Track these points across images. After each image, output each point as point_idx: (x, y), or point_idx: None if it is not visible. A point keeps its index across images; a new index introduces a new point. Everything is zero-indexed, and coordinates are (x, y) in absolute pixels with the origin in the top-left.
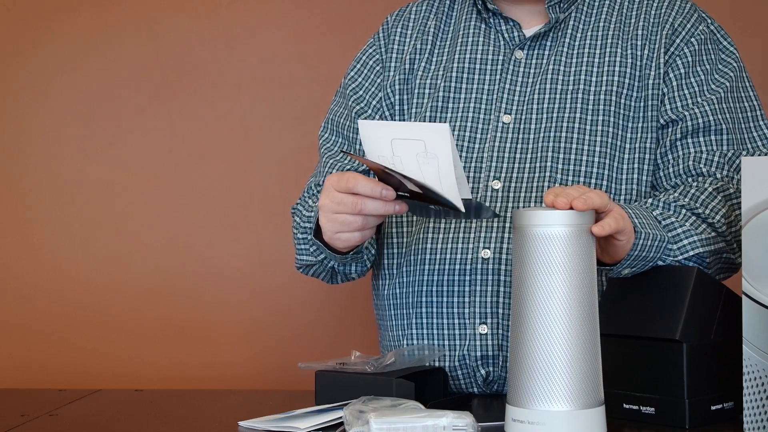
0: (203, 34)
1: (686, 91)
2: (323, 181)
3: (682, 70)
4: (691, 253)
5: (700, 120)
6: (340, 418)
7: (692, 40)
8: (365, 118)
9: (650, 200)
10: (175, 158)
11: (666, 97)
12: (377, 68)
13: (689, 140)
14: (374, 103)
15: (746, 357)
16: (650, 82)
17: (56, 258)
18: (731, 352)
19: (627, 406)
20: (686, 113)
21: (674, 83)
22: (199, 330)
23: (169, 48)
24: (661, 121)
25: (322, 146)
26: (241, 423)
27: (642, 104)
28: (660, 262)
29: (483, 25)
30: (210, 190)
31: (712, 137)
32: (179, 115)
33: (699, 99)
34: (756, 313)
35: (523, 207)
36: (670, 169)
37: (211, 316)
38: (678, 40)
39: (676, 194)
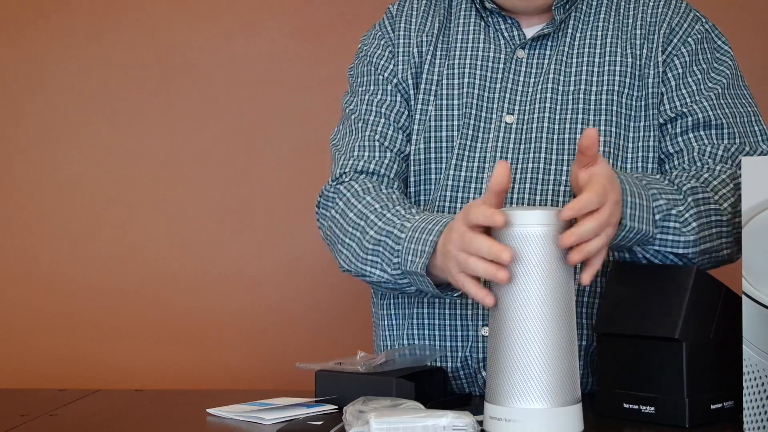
0: (203, 34)
1: (684, 91)
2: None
3: (680, 70)
4: (670, 250)
5: (700, 115)
6: (312, 413)
7: (689, 39)
8: (399, 100)
9: (663, 182)
10: (175, 158)
11: (665, 97)
12: (393, 59)
13: (691, 135)
14: (396, 80)
15: (746, 357)
16: (650, 81)
17: (56, 258)
18: (731, 351)
19: (627, 406)
20: (685, 110)
21: (672, 83)
22: (199, 330)
23: (169, 48)
24: (660, 120)
25: (357, 121)
26: (209, 410)
27: (643, 103)
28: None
29: (482, 23)
30: (210, 190)
31: (713, 131)
32: (179, 114)
33: (697, 97)
34: (756, 313)
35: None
36: (675, 162)
37: (211, 316)
38: (675, 40)
39: (688, 175)
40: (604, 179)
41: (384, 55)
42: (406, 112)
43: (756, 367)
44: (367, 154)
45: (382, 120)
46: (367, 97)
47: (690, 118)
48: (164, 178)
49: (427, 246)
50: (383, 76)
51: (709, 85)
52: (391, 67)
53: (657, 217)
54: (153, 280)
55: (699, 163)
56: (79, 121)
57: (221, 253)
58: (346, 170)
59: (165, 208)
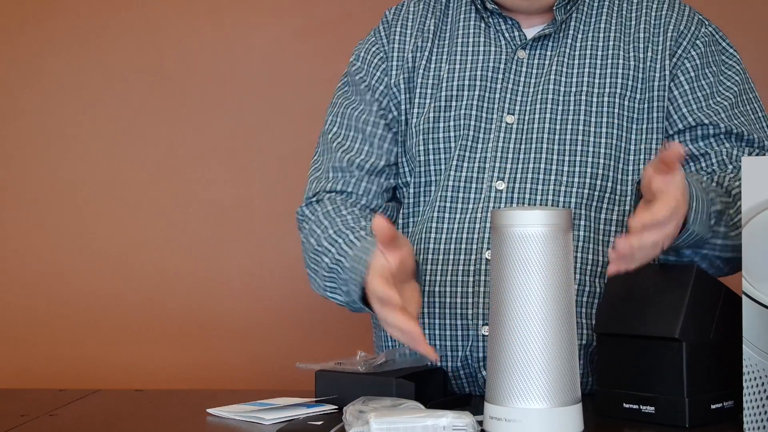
0: (204, 34)
1: (699, 94)
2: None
3: (692, 74)
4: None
5: (722, 126)
6: (312, 413)
7: (697, 42)
8: (375, 109)
9: (712, 183)
10: (175, 158)
11: (680, 101)
12: (383, 66)
13: (712, 140)
14: (381, 88)
15: (746, 357)
16: (655, 84)
17: (56, 258)
18: (731, 351)
19: (627, 406)
20: (705, 120)
21: (686, 86)
22: (199, 330)
23: (169, 48)
24: (680, 125)
25: (332, 141)
26: (209, 410)
27: (646, 106)
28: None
29: (482, 24)
30: (210, 190)
31: (733, 137)
32: (179, 115)
33: (711, 102)
34: (756, 313)
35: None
36: (703, 164)
37: (211, 315)
38: (684, 43)
39: (731, 177)
40: (679, 193)
41: (373, 62)
42: (383, 122)
43: (756, 367)
44: (339, 174)
45: (360, 135)
46: (348, 111)
47: (711, 128)
48: (164, 177)
49: (359, 277)
50: (368, 84)
51: (721, 90)
52: (378, 74)
53: (712, 221)
54: (153, 279)
55: (731, 166)
56: (79, 121)
57: (221, 253)
58: (317, 191)
59: (164, 208)
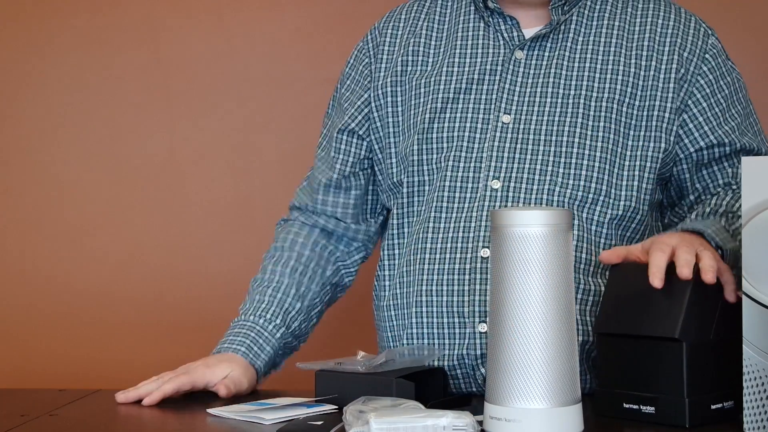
0: (203, 34)
1: (717, 110)
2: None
3: (708, 90)
4: None
5: (738, 144)
6: (312, 413)
7: (707, 56)
8: (350, 121)
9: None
10: (175, 158)
11: (700, 119)
12: (365, 72)
13: (724, 160)
14: (359, 103)
15: (746, 357)
16: (657, 93)
17: (56, 258)
18: (731, 351)
19: (627, 406)
20: (723, 136)
21: (704, 104)
22: (199, 330)
23: (169, 48)
24: (701, 143)
25: (315, 152)
26: (209, 410)
27: (645, 113)
28: None
29: (482, 24)
30: (210, 190)
31: (742, 154)
32: (179, 115)
33: (728, 116)
34: (756, 313)
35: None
36: (710, 183)
37: (211, 315)
38: (695, 59)
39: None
40: (645, 242)
41: (359, 69)
42: (351, 130)
43: (756, 367)
44: (306, 188)
45: (328, 146)
46: (328, 122)
47: (728, 147)
48: (164, 177)
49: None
50: (350, 89)
51: (733, 103)
52: (362, 80)
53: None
54: (153, 279)
55: (735, 185)
56: (79, 121)
57: (221, 253)
58: (291, 206)
59: (164, 208)
